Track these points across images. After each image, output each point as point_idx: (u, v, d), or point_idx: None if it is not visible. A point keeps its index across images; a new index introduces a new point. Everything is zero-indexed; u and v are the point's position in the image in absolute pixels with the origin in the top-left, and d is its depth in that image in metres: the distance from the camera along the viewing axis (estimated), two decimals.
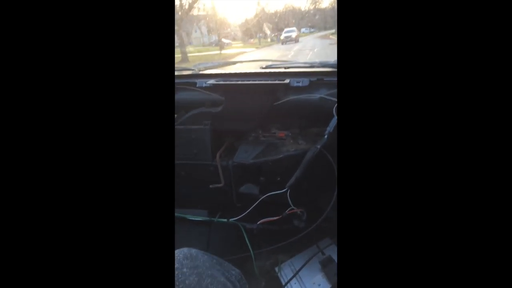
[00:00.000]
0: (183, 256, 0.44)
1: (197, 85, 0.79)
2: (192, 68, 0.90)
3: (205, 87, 0.78)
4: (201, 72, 0.88)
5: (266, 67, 0.84)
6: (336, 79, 0.71)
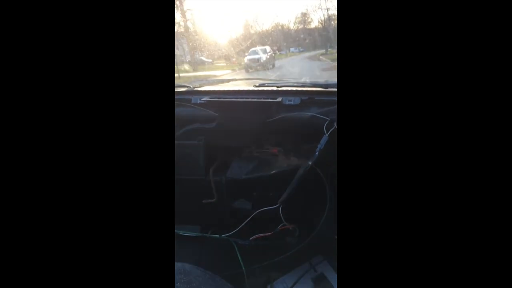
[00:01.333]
0: (177, 270, 0.44)
1: (192, 102, 0.81)
2: (188, 85, 0.92)
3: (200, 103, 0.80)
4: (196, 89, 0.90)
5: (259, 86, 0.87)
6: (326, 98, 0.74)
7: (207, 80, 1.05)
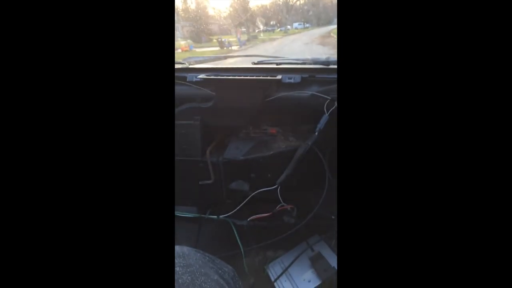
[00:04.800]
0: (176, 254, 0.43)
1: (187, 79, 0.77)
2: (183, 62, 0.88)
3: (196, 81, 0.76)
4: (191, 66, 0.86)
5: (258, 63, 0.83)
6: (327, 76, 0.71)
7: (203, 57, 1.00)
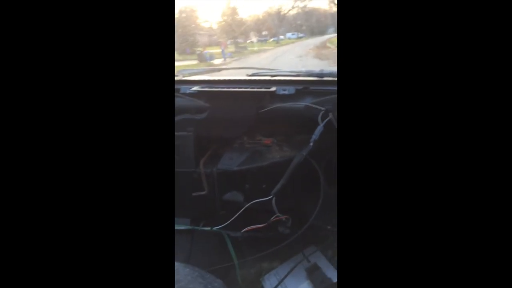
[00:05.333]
0: None
1: (181, 91, 0.78)
2: (177, 74, 0.89)
3: (190, 93, 0.77)
4: (185, 78, 0.87)
5: (252, 75, 0.84)
6: (321, 88, 0.72)
7: (198, 69, 1.01)
